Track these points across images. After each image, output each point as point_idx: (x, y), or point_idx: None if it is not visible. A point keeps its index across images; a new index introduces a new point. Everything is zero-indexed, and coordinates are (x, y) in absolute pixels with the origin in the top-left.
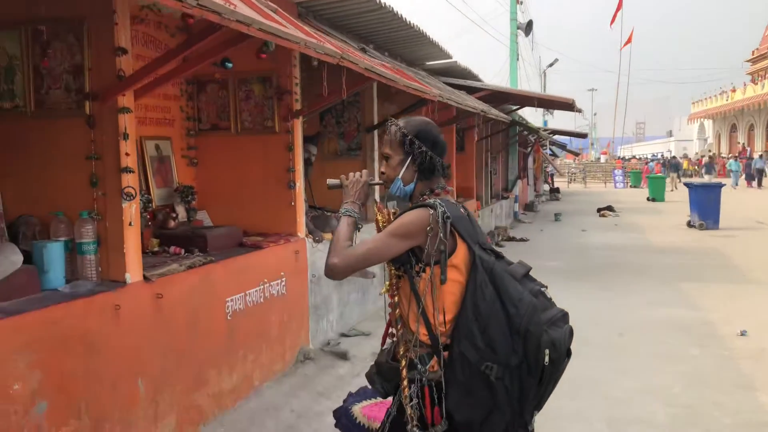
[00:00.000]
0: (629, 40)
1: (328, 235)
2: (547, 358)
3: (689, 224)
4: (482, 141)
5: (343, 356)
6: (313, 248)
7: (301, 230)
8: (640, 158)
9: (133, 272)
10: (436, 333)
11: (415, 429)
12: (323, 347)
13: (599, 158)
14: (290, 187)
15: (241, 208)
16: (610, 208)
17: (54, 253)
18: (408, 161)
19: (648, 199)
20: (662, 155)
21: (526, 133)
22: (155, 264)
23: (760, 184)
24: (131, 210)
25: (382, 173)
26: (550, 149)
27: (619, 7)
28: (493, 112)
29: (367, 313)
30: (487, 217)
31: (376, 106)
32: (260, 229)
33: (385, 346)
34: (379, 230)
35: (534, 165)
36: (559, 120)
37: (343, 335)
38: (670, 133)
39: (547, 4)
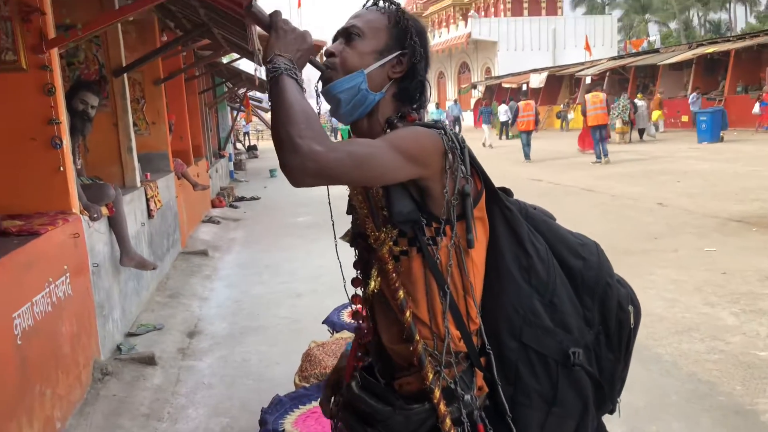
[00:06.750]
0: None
1: (105, 210)
2: (632, 318)
3: None
4: (202, 94)
5: (149, 361)
6: (90, 228)
7: (75, 205)
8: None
9: None
10: (470, 331)
11: None
12: (116, 356)
13: None
14: (55, 147)
15: None
16: None
17: None
18: (391, 56)
19: None
20: None
21: (232, 86)
22: None
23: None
24: None
25: (331, 55)
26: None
27: None
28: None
29: (145, 303)
30: (215, 177)
31: (123, 47)
32: (14, 209)
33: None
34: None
35: (244, 121)
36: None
37: (132, 335)
38: None
39: None
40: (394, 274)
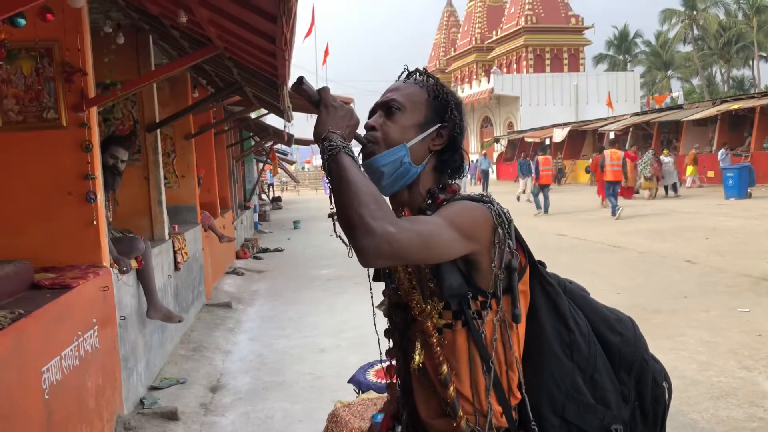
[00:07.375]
0: (326, 54)
1: (134, 263)
2: (667, 394)
3: None
4: (230, 148)
5: (171, 416)
6: (119, 281)
7: (106, 258)
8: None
9: None
10: (510, 405)
11: None
12: (139, 410)
13: (303, 167)
14: (89, 201)
15: (11, 235)
16: None
17: None
18: (432, 130)
19: None
20: None
21: (259, 140)
22: None
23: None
24: None
25: (372, 129)
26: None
27: (311, 29)
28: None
29: (169, 355)
30: (240, 229)
31: (157, 102)
32: (47, 261)
33: None
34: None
35: (271, 173)
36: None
37: (154, 388)
38: None
39: None
40: (438, 348)
